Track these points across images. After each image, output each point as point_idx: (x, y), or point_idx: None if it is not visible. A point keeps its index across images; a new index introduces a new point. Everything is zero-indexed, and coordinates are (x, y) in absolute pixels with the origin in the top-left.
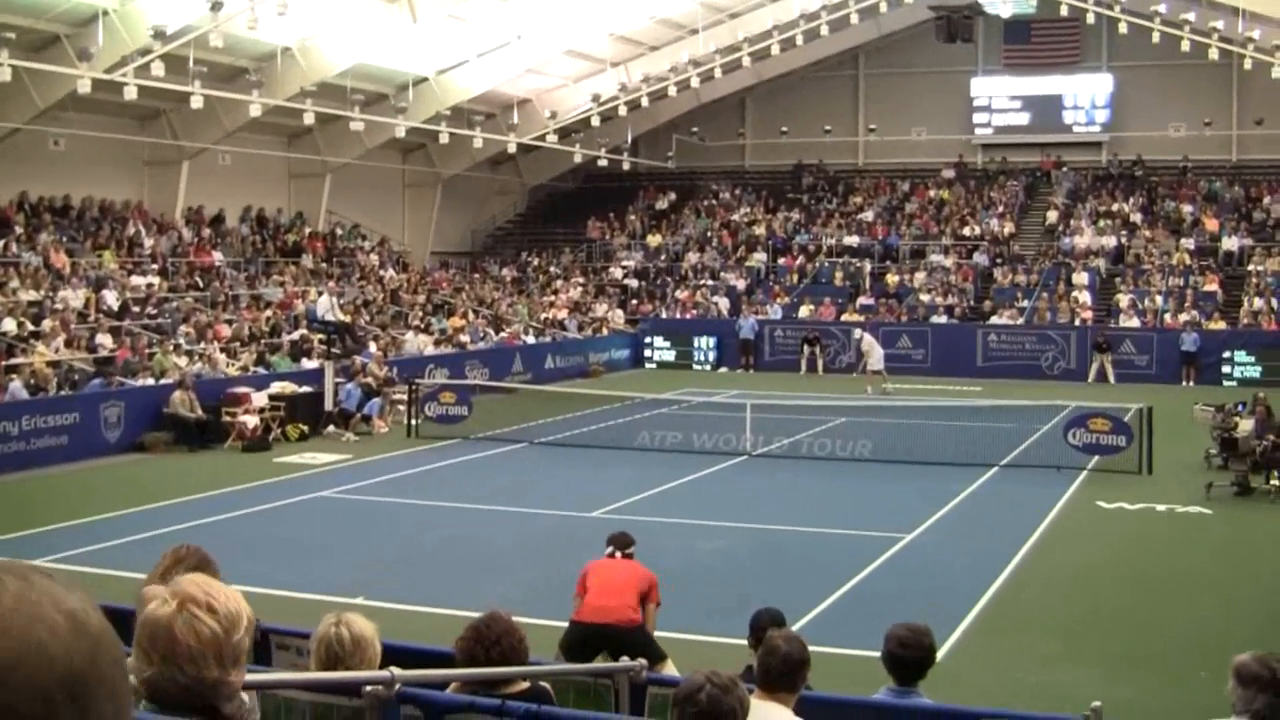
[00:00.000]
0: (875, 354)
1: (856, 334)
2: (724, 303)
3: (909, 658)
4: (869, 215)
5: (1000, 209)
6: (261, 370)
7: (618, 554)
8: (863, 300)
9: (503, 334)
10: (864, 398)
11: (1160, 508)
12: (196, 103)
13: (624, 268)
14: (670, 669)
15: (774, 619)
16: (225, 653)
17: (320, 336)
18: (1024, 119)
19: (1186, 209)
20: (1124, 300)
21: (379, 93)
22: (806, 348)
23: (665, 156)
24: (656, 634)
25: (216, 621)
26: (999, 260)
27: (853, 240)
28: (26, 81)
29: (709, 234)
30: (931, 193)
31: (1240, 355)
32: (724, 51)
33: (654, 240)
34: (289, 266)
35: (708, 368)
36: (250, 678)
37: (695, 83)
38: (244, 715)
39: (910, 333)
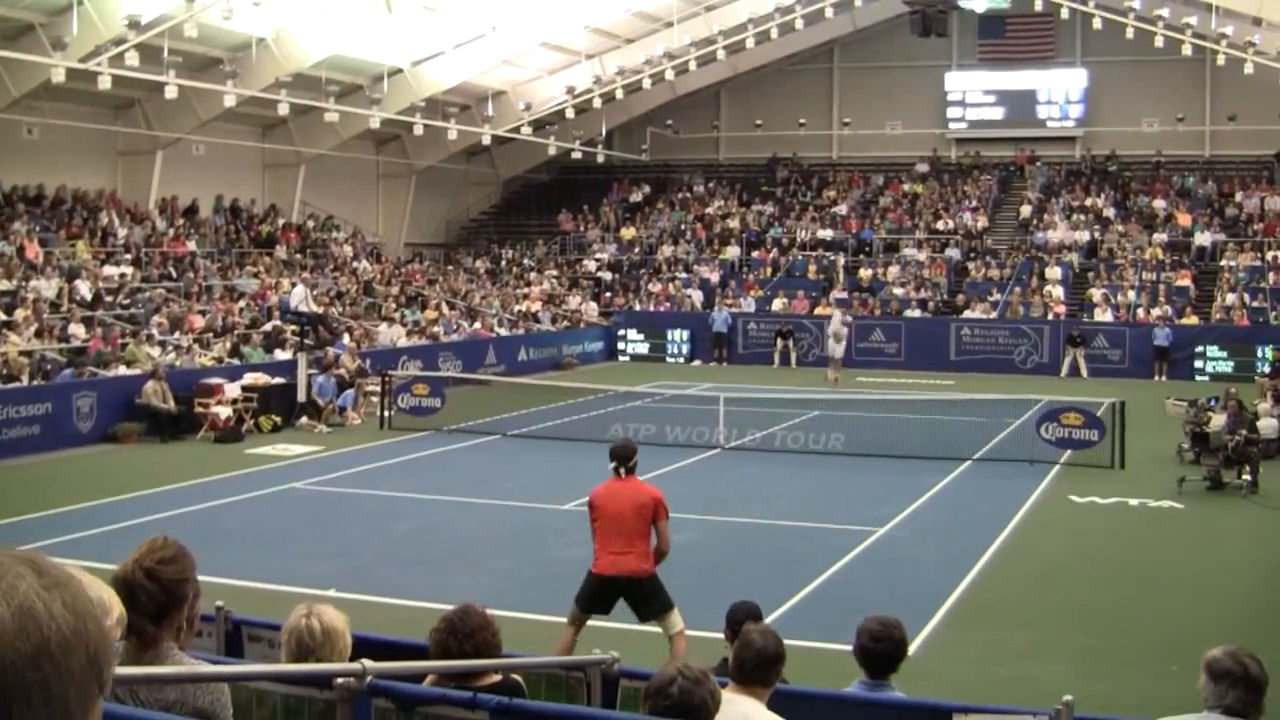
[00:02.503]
0: (839, 347)
1: (837, 314)
2: (698, 296)
3: (881, 651)
4: (843, 209)
5: (974, 203)
6: (235, 361)
7: (621, 470)
8: (836, 294)
9: (476, 326)
10: (837, 390)
11: (1133, 502)
12: (171, 93)
13: (598, 260)
14: (676, 619)
15: (750, 612)
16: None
17: (294, 328)
18: (998, 113)
19: (1159, 204)
20: (1097, 295)
21: (354, 84)
22: (780, 341)
23: (639, 149)
24: (630, 626)
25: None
26: (972, 254)
27: (826, 234)
28: (0, 70)
29: (683, 227)
30: (905, 186)
31: (1212, 350)
32: (699, 44)
33: (628, 233)
34: (263, 257)
35: (681, 360)
36: (222, 669)
37: (670, 75)
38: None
39: (883, 326)
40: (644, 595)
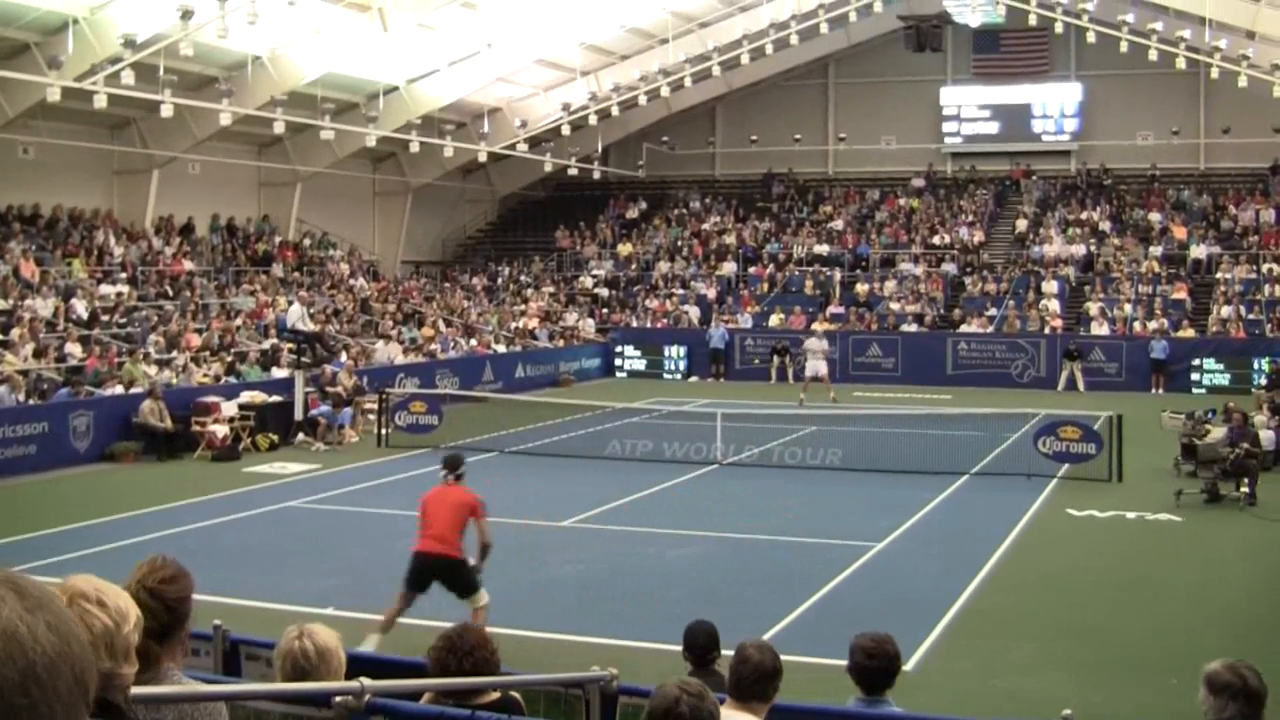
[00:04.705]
0: (821, 365)
1: (815, 338)
2: (694, 312)
3: (875, 667)
4: (839, 224)
5: (970, 218)
6: (231, 380)
7: (450, 477)
8: (833, 309)
9: (473, 343)
10: (831, 405)
11: (1130, 515)
12: (166, 111)
13: (594, 277)
14: (484, 598)
15: (709, 634)
16: (116, 645)
17: (290, 346)
18: (993, 128)
19: (1155, 217)
20: (1093, 308)
21: (349, 101)
22: (776, 357)
23: (635, 165)
24: (620, 641)
25: (107, 615)
26: (969, 269)
27: (823, 249)
28: None
29: (679, 243)
30: (901, 201)
31: (1209, 363)
32: (694, 60)
33: (624, 249)
34: (259, 275)
35: (678, 377)
36: (220, 688)
37: (665, 92)
38: (133, 709)
39: (880, 341)
40: (454, 576)
